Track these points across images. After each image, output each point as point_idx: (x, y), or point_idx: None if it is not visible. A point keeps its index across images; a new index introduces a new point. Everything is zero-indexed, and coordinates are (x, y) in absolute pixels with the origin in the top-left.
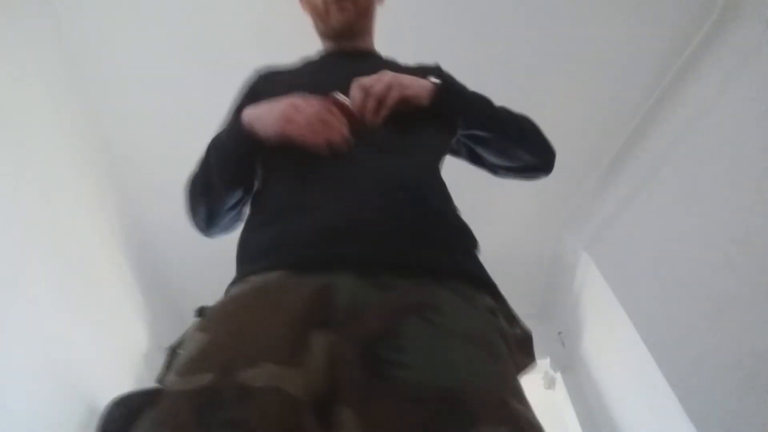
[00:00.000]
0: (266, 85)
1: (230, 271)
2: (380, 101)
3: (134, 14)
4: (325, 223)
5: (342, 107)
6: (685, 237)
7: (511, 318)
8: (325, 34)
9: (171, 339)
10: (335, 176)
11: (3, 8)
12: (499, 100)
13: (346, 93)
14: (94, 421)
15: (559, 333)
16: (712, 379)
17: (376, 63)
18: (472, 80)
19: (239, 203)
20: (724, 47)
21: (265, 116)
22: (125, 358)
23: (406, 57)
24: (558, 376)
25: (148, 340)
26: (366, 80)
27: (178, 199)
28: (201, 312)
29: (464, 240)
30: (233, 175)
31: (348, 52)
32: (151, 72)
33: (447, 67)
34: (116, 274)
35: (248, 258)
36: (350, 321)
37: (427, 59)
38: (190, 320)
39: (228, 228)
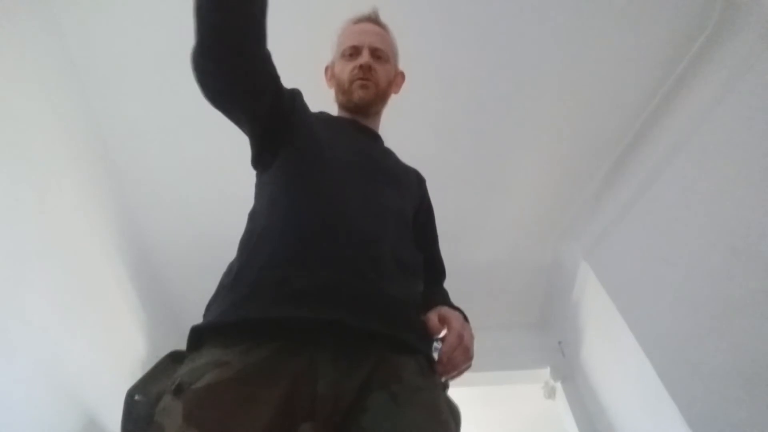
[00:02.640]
0: (313, 116)
1: None
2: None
3: (135, 21)
4: (317, 283)
5: None
6: (684, 245)
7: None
8: (345, 106)
9: (169, 346)
10: (336, 238)
11: (1, 12)
12: (497, 107)
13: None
14: (92, 430)
15: (559, 342)
16: (712, 387)
17: (386, 152)
18: (470, 85)
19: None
20: (721, 55)
21: None
22: (124, 366)
23: (405, 57)
24: (558, 385)
25: (147, 348)
26: (467, 338)
27: (178, 207)
28: (179, 389)
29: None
30: None
31: (363, 127)
32: (151, 79)
33: (447, 71)
34: (115, 282)
35: (229, 297)
36: (330, 409)
37: (427, 64)
38: (188, 328)
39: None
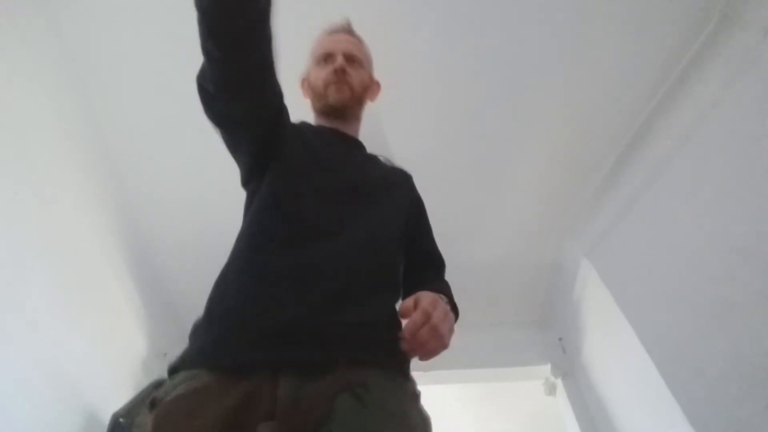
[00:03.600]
0: (293, 128)
1: None
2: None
3: (137, 21)
4: (277, 323)
5: None
6: (686, 244)
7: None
8: (322, 110)
9: (169, 346)
10: (299, 273)
11: (1, 12)
12: (497, 107)
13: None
14: (93, 428)
15: (560, 339)
16: (714, 386)
17: (370, 160)
18: (470, 84)
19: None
20: (722, 54)
21: None
22: (124, 364)
23: (404, 62)
24: (559, 382)
25: (147, 347)
26: (437, 316)
27: (178, 206)
28: (153, 404)
29: (393, 346)
30: None
31: (341, 134)
32: (153, 79)
33: (447, 70)
34: (115, 280)
35: (201, 338)
36: (292, 411)
37: (427, 63)
38: (189, 327)
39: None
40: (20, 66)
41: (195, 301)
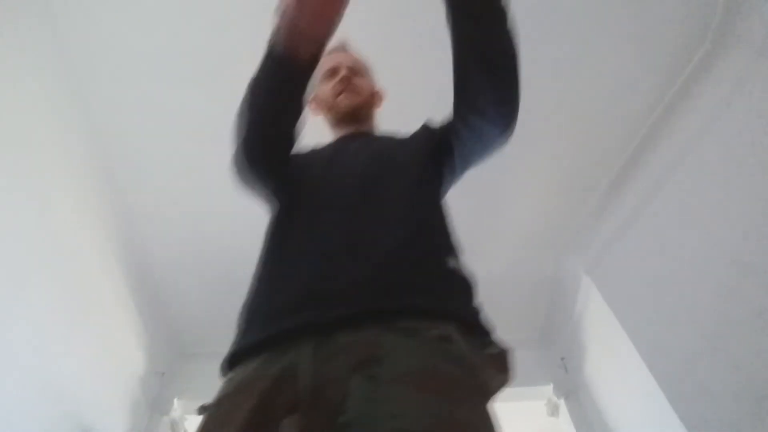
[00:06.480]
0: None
1: (227, 298)
2: None
3: (138, 31)
4: (288, 296)
5: None
6: (687, 260)
7: (484, 342)
8: (335, 119)
9: (167, 364)
10: (305, 244)
11: (2, 20)
12: None
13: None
14: None
15: (562, 358)
16: (717, 405)
17: (378, 138)
18: None
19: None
20: (718, 73)
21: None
22: (121, 381)
23: (404, 80)
24: (561, 402)
25: (145, 364)
26: None
27: (179, 222)
28: (202, 410)
29: (426, 279)
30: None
31: (353, 134)
32: (154, 90)
33: (447, 93)
34: (115, 297)
35: (239, 333)
36: (314, 401)
37: (426, 78)
38: (187, 345)
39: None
40: (21, 76)
41: (194, 320)
